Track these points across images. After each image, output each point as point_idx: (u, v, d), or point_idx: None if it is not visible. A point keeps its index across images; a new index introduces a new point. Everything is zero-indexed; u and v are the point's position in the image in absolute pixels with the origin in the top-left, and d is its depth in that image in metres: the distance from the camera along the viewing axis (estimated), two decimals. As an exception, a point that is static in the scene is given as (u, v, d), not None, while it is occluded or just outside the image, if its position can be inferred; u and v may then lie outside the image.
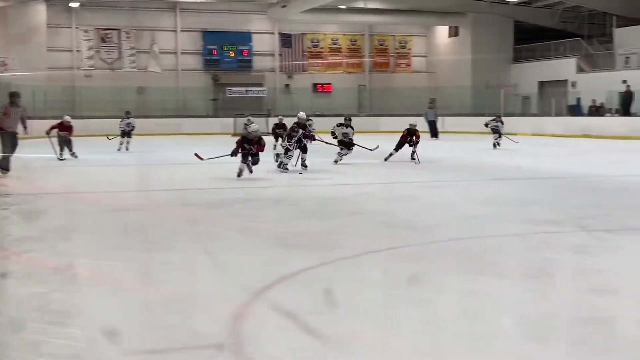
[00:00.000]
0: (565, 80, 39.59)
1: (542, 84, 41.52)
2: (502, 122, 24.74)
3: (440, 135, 33.49)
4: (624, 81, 33.90)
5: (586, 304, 5.70)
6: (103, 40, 40.94)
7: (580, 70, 39.20)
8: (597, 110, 34.17)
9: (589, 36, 41.54)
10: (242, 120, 24.46)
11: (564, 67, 39.97)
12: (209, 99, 42.13)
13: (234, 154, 14.36)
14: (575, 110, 36.67)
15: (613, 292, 6.06)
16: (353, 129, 18.64)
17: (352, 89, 45.23)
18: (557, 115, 36.84)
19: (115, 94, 37.80)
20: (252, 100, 39.35)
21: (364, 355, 4.53)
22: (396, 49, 46.81)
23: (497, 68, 42.75)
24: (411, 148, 18.43)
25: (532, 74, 42.11)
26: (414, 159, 18.28)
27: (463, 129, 35.61)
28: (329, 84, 44.84)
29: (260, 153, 14.63)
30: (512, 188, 13.67)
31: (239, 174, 14.30)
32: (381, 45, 46.56)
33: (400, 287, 6.25)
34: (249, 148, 14.49)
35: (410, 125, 19.00)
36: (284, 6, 38.59)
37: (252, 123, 16.56)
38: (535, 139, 31.25)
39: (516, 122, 34.10)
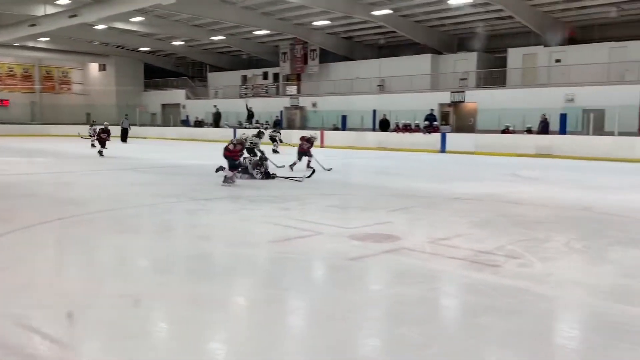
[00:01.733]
0: (179, 104, 40.26)
1: (164, 106, 41.66)
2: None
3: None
4: (215, 106, 35.63)
5: (195, 246, 6.13)
6: None
7: (188, 97, 40.27)
8: (199, 124, 35.42)
9: (193, 76, 42.94)
10: None
11: (177, 95, 40.77)
12: None
13: None
14: (185, 123, 37.59)
15: (209, 238, 6.58)
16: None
17: (26, 104, 40.85)
18: (174, 126, 37.35)
19: None
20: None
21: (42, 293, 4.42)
22: (60, 77, 43.31)
23: (133, 93, 42.11)
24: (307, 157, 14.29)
25: (157, 98, 42.26)
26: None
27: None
28: (7, 99, 40.05)
29: None
30: (146, 175, 13.34)
31: None
32: (48, 74, 42.64)
33: (69, 246, 6.13)
34: None
35: (311, 136, 14.88)
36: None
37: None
38: (160, 141, 31.32)
39: (146, 130, 34.64)
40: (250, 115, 32.28)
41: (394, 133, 24.78)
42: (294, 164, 13.87)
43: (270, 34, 33.40)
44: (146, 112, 40.79)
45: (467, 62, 28.25)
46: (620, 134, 19.01)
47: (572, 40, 25.96)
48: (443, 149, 22.89)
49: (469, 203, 9.14)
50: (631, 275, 4.87)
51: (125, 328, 3.64)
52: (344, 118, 28.69)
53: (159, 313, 4.02)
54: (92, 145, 20.20)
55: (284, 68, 35.45)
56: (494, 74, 26.94)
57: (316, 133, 15.80)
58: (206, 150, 20.97)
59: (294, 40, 33.92)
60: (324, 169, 13.78)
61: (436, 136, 23.43)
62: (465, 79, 27.35)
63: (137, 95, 42.57)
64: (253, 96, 35.77)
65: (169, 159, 17.42)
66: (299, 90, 34.01)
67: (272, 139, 20.38)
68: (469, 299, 4.38)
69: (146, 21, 31.27)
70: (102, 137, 18.54)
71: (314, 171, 12.82)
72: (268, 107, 33.23)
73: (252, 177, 11.90)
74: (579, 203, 9.02)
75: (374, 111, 27.55)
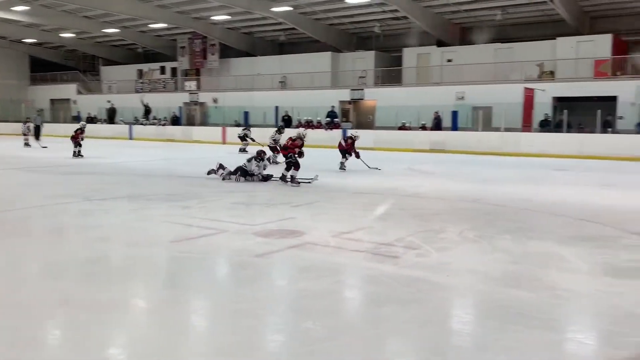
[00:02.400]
0: (69, 99, 37.98)
1: (53, 101, 39.05)
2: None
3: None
4: (109, 101, 34.00)
5: (91, 248, 5.79)
6: None
7: (79, 92, 38.08)
8: (92, 120, 33.36)
9: (84, 70, 40.59)
10: None
11: (68, 90, 38.42)
12: None
13: None
14: (77, 119, 35.24)
15: (107, 239, 6.27)
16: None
17: None
18: (64, 122, 34.61)
19: None
20: None
21: None
22: None
23: (18, 88, 39.08)
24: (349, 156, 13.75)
25: (45, 93, 39.46)
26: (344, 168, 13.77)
27: None
28: None
29: None
30: (38, 175, 12.45)
31: None
32: None
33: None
34: None
35: (353, 135, 14.06)
36: None
37: None
38: (50, 139, 29.32)
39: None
40: (147, 111, 31.17)
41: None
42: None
43: (168, 28, 32.42)
44: (32, 108, 38.01)
45: (365, 60, 29.00)
46: (507, 129, 20.35)
47: (462, 41, 27.44)
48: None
49: (370, 197, 9.40)
50: (519, 262, 5.23)
51: (17, 337, 3.38)
52: (246, 114, 28.45)
53: (55, 320, 3.78)
54: (26, 144, 18.71)
55: (183, 63, 34.55)
56: (391, 73, 27.87)
57: (357, 132, 14.88)
58: (102, 148, 19.97)
59: (192, 35, 33.14)
60: (369, 167, 13.61)
61: (337, 132, 23.86)
62: (364, 77, 28.08)
63: (22, 90, 39.57)
64: (150, 91, 34.53)
65: (60, 158, 16.40)
66: (198, 86, 33.28)
67: (242, 138, 20.07)
68: (371, 290, 4.50)
69: (31, 11, 29.22)
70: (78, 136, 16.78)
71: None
72: (166, 102, 32.24)
73: (251, 178, 10.95)
74: (471, 195, 9.55)
75: (277, 107, 27.57)
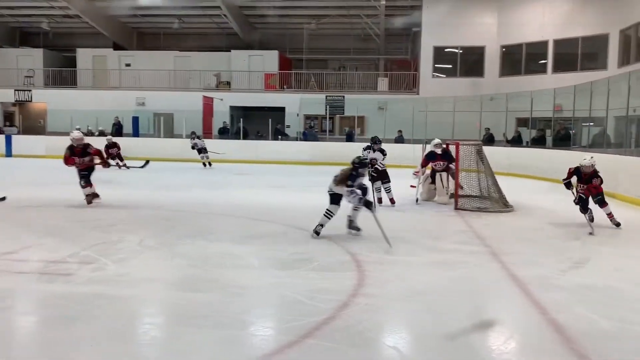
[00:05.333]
0: None
1: None
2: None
3: None
4: None
5: None
6: None
7: None
8: None
9: None
10: None
11: None
12: None
13: None
14: None
15: None
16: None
17: None
18: None
19: None
20: None
21: None
22: None
23: None
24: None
25: None
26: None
27: None
28: None
29: None
30: None
31: None
32: None
33: None
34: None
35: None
36: None
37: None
38: None
39: None
40: None
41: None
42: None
43: None
44: None
45: (32, 58, 26.19)
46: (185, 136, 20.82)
47: (140, 46, 27.09)
48: (9, 153, 20.68)
49: (40, 210, 8.51)
50: (198, 265, 5.39)
51: None
52: None
53: None
54: None
55: None
56: (63, 73, 25.77)
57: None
58: None
59: None
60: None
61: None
62: (31, 76, 25.34)
63: None
64: None
65: None
66: None
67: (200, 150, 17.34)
68: (43, 313, 4.09)
69: None
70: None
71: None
72: None
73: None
74: (152, 202, 9.49)
75: None
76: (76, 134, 9.20)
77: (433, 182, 10.12)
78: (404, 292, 4.66)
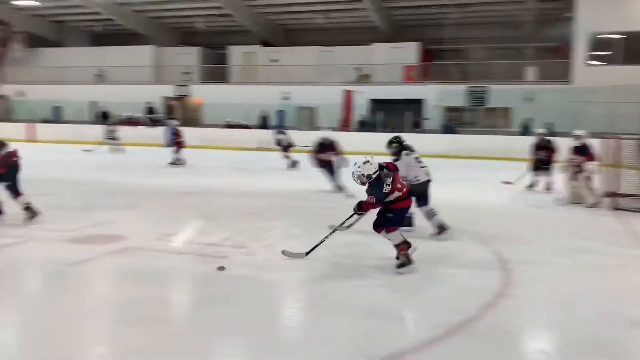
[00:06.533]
0: None
1: None
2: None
3: None
4: None
5: None
6: None
7: None
8: None
9: None
10: None
11: None
12: None
13: None
14: None
15: None
16: None
17: None
18: None
19: None
20: None
21: None
22: None
23: None
24: None
25: None
26: None
27: None
28: None
29: None
30: None
31: None
32: None
33: None
34: None
35: None
36: None
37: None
38: None
39: None
40: None
41: (117, 127, 23.54)
42: None
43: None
44: None
45: (189, 56, 28.36)
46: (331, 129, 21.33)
47: (287, 42, 28.16)
48: (169, 144, 22.58)
49: (196, 197, 9.22)
50: (339, 254, 5.49)
51: None
52: (57, 109, 26.16)
53: None
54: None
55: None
56: (217, 70, 27.60)
57: None
58: None
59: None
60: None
61: (162, 130, 23.02)
62: (190, 72, 27.46)
63: None
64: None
65: None
66: (1, 77, 29.75)
67: (284, 144, 14.72)
68: (200, 292, 4.44)
69: None
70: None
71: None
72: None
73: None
74: (300, 192, 9.87)
75: (93, 102, 25.82)
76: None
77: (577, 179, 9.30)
78: (552, 295, 4.41)
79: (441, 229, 6.20)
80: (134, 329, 3.58)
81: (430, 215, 6.27)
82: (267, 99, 24.10)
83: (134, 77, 26.92)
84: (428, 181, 6.31)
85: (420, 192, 6.11)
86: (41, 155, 15.20)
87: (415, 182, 6.10)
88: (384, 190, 4.82)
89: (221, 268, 4.77)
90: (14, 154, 6.74)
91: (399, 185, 4.99)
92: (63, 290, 4.34)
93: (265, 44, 27.91)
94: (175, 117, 25.57)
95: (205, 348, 3.37)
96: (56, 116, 26.58)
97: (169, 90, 26.55)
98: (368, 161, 4.86)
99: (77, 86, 27.17)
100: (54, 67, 28.72)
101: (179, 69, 27.65)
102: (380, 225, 5.00)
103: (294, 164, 14.06)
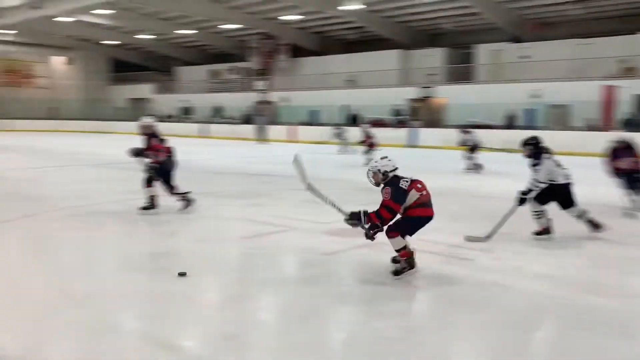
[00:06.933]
0: (146, 98, 39.50)
1: (132, 100, 40.79)
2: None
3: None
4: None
5: (162, 243, 5.99)
6: None
7: (155, 92, 39.55)
8: (169, 117, 34.41)
9: (161, 70, 42.02)
10: None
11: (145, 89, 39.98)
12: None
13: None
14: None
15: (179, 234, 6.47)
16: None
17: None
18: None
19: None
20: None
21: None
22: (22, 70, 41.19)
23: (99, 88, 41.73)
24: None
25: (124, 92, 41.40)
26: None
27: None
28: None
29: None
30: (115, 172, 12.79)
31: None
32: (11, 67, 40.60)
33: (33, 244, 5.98)
34: None
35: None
36: None
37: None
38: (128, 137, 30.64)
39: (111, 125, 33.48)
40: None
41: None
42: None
43: (239, 28, 33.10)
44: (118, 107, 40.15)
45: (433, 57, 28.52)
46: (589, 129, 19.43)
47: (537, 37, 26.42)
48: (411, 144, 23.07)
49: (444, 197, 9.15)
50: (596, 266, 4.98)
51: (92, 326, 3.56)
52: (314, 113, 28.68)
53: (128, 312, 3.95)
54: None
55: (253, 62, 35.17)
56: (461, 70, 27.24)
57: None
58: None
59: (263, 35, 33.68)
60: None
61: (405, 131, 23.60)
62: (435, 74, 27.60)
63: (104, 89, 41.94)
64: (221, 91, 35.44)
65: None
66: (269, 85, 33.79)
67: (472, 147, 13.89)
68: (443, 293, 4.44)
69: (112, 14, 30.68)
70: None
71: None
72: (237, 102, 33.10)
73: None
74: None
75: (345, 106, 27.68)
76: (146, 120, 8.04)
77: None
78: None
79: (595, 227, 6.00)
80: (378, 320, 3.73)
81: (581, 216, 6.05)
82: (514, 98, 22.97)
83: (381, 81, 28.08)
84: (568, 184, 6.00)
85: (558, 196, 5.97)
86: (304, 155, 16.70)
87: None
88: (401, 185, 4.44)
89: (182, 274, 4.53)
90: (169, 149, 7.54)
91: (419, 185, 4.54)
92: (318, 277, 4.73)
93: (514, 39, 26.59)
94: (418, 118, 25.98)
95: (447, 348, 3.34)
96: (313, 119, 29.14)
97: (414, 93, 27.06)
98: (387, 157, 4.60)
99: (332, 91, 29.40)
100: (313, 75, 31.56)
101: (424, 71, 28.00)
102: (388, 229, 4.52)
103: (476, 167, 13.09)
